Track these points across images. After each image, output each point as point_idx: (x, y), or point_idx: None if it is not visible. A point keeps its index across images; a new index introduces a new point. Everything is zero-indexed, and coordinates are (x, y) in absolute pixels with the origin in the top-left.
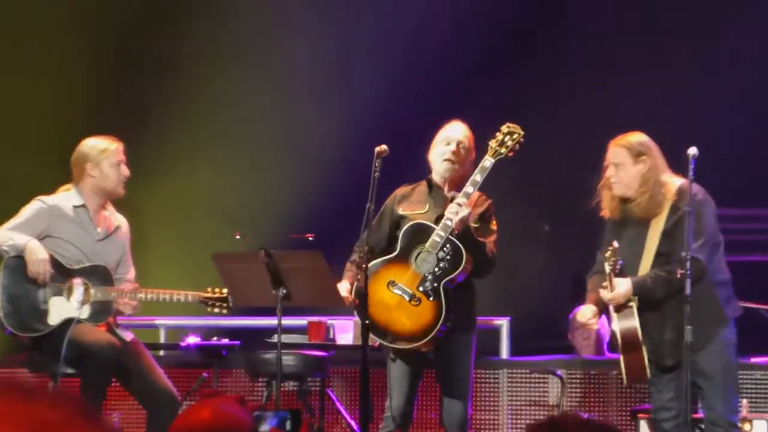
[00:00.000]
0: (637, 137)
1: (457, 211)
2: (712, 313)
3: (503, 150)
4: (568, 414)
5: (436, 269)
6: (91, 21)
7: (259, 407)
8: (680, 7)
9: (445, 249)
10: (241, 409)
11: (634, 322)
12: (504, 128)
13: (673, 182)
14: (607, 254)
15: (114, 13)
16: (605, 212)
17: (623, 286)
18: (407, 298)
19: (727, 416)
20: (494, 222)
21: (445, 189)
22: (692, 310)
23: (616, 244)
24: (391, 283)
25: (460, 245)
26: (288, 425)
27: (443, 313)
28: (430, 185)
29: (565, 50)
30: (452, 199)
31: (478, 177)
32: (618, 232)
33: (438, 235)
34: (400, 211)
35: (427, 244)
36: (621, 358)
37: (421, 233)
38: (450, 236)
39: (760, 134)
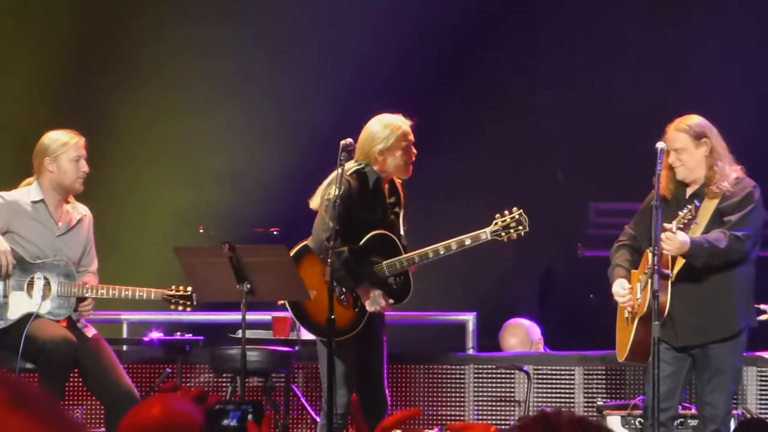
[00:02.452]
0: (695, 120)
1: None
2: (740, 305)
3: (503, 234)
4: (561, 410)
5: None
6: (42, 13)
7: (221, 401)
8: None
9: (398, 278)
10: (193, 406)
11: (666, 295)
12: (516, 214)
13: (733, 167)
14: (684, 212)
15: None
16: (663, 191)
17: (682, 236)
18: (338, 293)
19: (728, 416)
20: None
21: (386, 186)
22: (727, 292)
23: (697, 203)
24: None
25: (411, 282)
26: (250, 418)
27: (357, 329)
28: (378, 184)
29: (529, 49)
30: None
31: (468, 242)
32: (663, 210)
33: (400, 262)
34: (361, 211)
35: (386, 264)
36: (633, 329)
37: (385, 246)
38: (407, 269)
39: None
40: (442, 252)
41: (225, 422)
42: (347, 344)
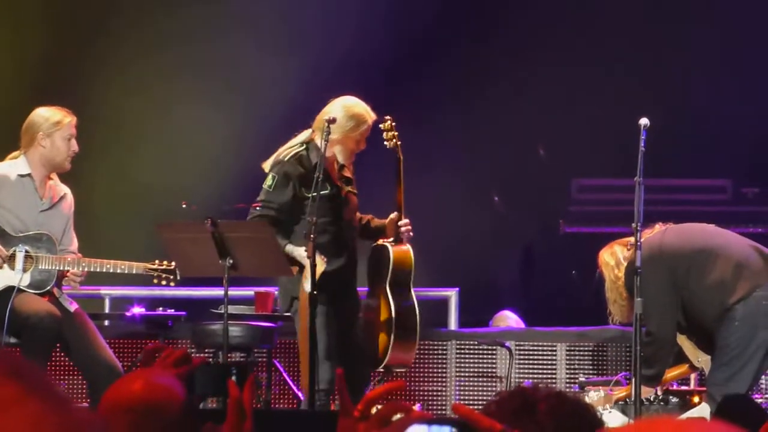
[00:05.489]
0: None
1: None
2: None
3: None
4: (538, 386)
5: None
6: None
7: (204, 362)
8: None
9: None
10: (175, 381)
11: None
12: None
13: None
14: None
15: None
16: None
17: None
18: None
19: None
20: None
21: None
22: None
23: None
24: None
25: None
26: (233, 378)
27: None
28: (319, 167)
29: (513, 25)
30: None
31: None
32: None
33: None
34: (305, 192)
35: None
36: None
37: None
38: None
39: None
40: None
41: (209, 383)
42: (329, 318)
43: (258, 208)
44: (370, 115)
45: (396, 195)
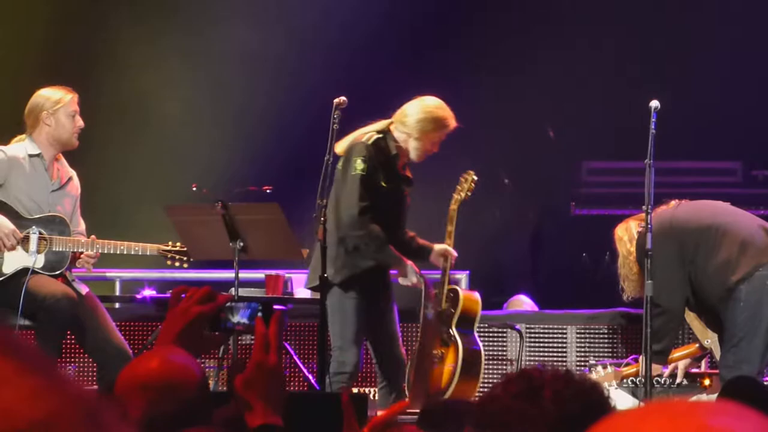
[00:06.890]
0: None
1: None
2: None
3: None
4: (544, 367)
5: None
6: None
7: (230, 299)
8: None
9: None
10: (192, 359)
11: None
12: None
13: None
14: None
15: None
16: None
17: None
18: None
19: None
20: None
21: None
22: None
23: None
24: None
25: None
26: (259, 315)
27: (451, 387)
28: (396, 158)
29: (523, 6)
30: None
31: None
32: None
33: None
34: (382, 182)
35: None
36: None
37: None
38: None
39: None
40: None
41: (235, 320)
42: (361, 308)
43: (360, 204)
44: (453, 121)
45: (447, 234)
